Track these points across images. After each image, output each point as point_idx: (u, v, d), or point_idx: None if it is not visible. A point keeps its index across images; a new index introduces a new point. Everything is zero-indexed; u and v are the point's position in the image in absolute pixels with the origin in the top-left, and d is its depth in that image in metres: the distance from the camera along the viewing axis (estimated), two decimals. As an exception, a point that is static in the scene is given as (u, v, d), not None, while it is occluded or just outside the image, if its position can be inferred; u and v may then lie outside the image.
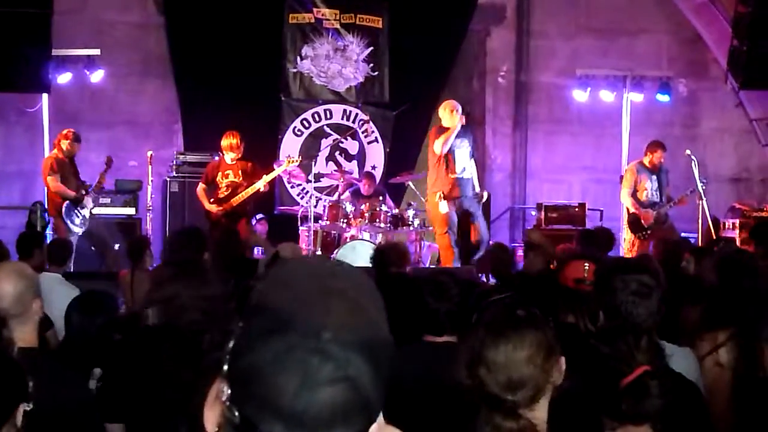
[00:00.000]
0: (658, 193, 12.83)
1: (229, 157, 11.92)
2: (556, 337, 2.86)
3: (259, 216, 13.60)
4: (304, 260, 1.45)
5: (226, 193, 11.94)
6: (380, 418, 1.41)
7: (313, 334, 1.29)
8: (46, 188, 12.13)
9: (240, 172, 11.94)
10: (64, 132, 12.12)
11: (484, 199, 12.38)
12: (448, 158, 11.92)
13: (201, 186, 12.11)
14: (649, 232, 12.70)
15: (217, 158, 12.95)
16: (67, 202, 11.86)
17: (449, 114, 12.00)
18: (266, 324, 1.32)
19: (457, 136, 11.95)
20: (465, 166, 12.03)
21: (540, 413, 2.77)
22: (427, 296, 4.85)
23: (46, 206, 12.33)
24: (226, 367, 1.35)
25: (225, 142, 11.89)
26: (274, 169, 12.51)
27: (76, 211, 11.98)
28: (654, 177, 12.82)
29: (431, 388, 4.72)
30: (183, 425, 2.82)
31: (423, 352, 4.90)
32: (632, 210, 12.82)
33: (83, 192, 12.04)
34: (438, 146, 11.92)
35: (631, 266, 4.09)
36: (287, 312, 1.32)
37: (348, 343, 1.30)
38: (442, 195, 11.93)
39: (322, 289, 1.35)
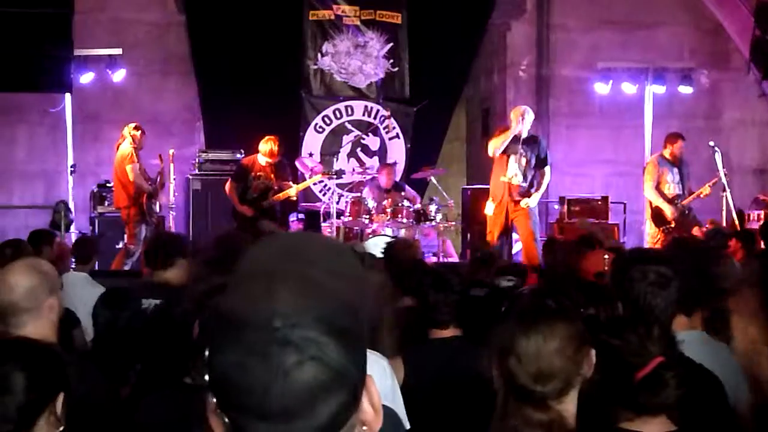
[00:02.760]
0: (680, 186, 12.77)
1: (264, 160, 12.01)
2: (586, 329, 2.85)
3: (300, 216, 13.68)
4: (257, 250, 1.43)
5: (255, 195, 12.03)
6: (371, 386, 1.40)
7: (264, 325, 1.29)
8: (118, 177, 12.05)
9: (273, 175, 12.06)
10: (134, 124, 12.12)
11: (523, 205, 12.13)
12: (502, 161, 11.94)
13: (231, 184, 12.18)
14: (672, 225, 12.64)
15: (240, 156, 13.04)
16: (145, 195, 11.93)
17: (513, 118, 12.02)
18: (223, 329, 1.33)
19: (519, 143, 11.91)
20: (517, 173, 11.96)
21: (569, 406, 2.75)
22: (427, 288, 4.83)
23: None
24: (207, 378, 1.35)
25: (264, 147, 11.98)
26: (306, 179, 12.68)
27: (152, 204, 12.06)
28: (675, 170, 12.76)
29: (445, 386, 4.69)
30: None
31: (432, 350, 4.87)
32: (656, 203, 12.76)
33: (155, 186, 12.12)
34: (490, 148, 12.06)
35: (650, 257, 4.06)
36: (237, 311, 1.32)
37: (301, 324, 1.29)
38: (491, 197, 12.11)
39: (267, 276, 1.33)
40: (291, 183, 12.33)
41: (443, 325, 4.80)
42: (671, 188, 12.76)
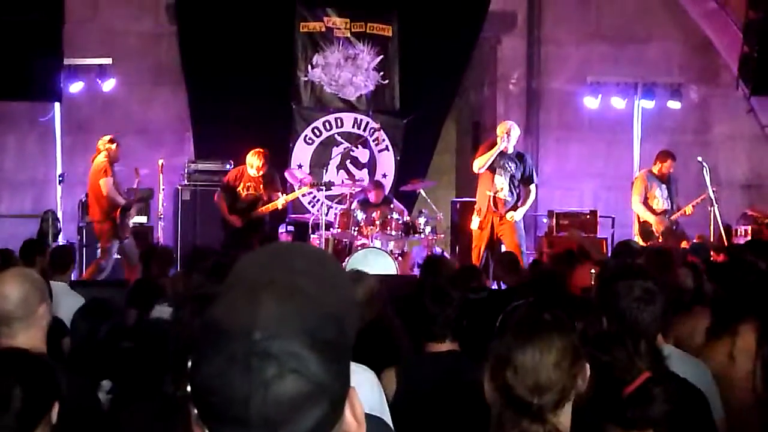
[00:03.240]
0: (668, 201, 12.85)
1: (252, 171, 12.09)
2: (581, 343, 2.86)
3: (289, 227, 13.70)
4: (243, 261, 1.44)
5: (244, 206, 12.09)
6: (354, 398, 1.41)
7: (245, 337, 1.30)
8: (92, 190, 12.05)
9: (261, 185, 12.13)
10: (108, 137, 12.08)
11: (509, 218, 12.19)
12: (488, 176, 12.00)
13: (220, 194, 12.24)
14: (660, 239, 12.69)
15: (230, 167, 13.05)
16: (120, 208, 11.88)
17: (498, 134, 12.09)
18: (206, 340, 1.34)
19: (505, 158, 11.96)
20: (503, 187, 12.02)
21: (564, 419, 2.76)
22: (426, 300, 4.79)
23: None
24: (189, 388, 1.36)
25: (250, 159, 12.10)
26: (294, 191, 12.69)
27: (125, 218, 12.02)
28: (663, 186, 12.86)
29: (437, 400, 4.66)
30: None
31: (426, 363, 4.84)
32: (643, 217, 12.84)
33: (129, 200, 12.08)
34: (475, 165, 12.15)
35: (635, 271, 4.06)
36: (220, 323, 1.33)
37: (282, 336, 1.30)
38: (477, 210, 12.21)
39: (251, 287, 1.34)
40: (280, 194, 12.35)
41: (439, 338, 4.75)
42: (659, 203, 12.84)
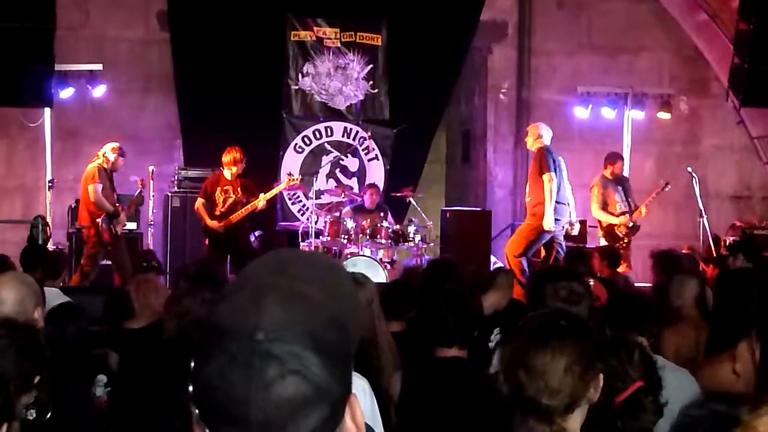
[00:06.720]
0: (626, 203, 12.97)
1: (229, 172, 12.03)
2: (597, 352, 2.89)
3: (257, 233, 13.67)
4: (252, 265, 1.45)
5: (224, 209, 12.03)
6: (354, 404, 1.41)
7: (247, 337, 1.30)
8: (81, 196, 12.06)
9: (239, 188, 12.05)
10: (113, 145, 12.05)
11: (572, 231, 12.25)
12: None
13: (199, 200, 12.21)
14: (626, 241, 12.78)
15: (214, 172, 13.02)
16: (104, 214, 11.84)
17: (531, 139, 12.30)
18: (209, 340, 1.35)
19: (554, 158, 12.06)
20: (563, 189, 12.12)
21: (573, 424, 2.78)
22: (440, 303, 4.78)
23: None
24: (191, 388, 1.36)
25: (227, 157, 12.03)
26: (273, 188, 12.57)
27: (111, 225, 11.98)
28: (620, 187, 13.01)
29: (435, 406, 4.68)
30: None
31: (429, 369, 4.86)
32: (607, 222, 12.93)
33: (120, 207, 12.05)
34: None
35: (563, 273, 4.10)
36: (223, 323, 1.34)
37: (285, 337, 1.31)
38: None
39: (255, 289, 1.35)
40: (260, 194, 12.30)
41: (447, 343, 4.75)
42: (620, 207, 12.98)
